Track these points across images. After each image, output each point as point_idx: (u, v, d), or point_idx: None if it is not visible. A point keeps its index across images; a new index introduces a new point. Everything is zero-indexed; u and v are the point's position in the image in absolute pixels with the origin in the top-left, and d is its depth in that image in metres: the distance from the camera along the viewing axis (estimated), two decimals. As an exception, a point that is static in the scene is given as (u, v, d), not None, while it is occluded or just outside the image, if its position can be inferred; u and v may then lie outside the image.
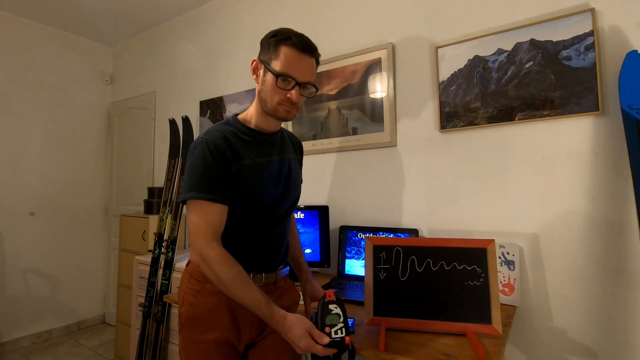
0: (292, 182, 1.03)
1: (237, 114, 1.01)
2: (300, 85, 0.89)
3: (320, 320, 0.80)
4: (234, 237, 0.92)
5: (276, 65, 0.87)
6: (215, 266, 0.82)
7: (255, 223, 0.95)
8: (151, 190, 2.56)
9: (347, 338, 0.78)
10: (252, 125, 0.97)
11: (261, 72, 0.92)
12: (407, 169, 1.65)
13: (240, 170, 0.90)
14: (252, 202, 0.92)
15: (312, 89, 0.94)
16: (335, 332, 0.78)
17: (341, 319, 0.80)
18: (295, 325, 0.79)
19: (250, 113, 0.99)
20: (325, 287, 1.47)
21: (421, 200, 1.60)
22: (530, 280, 1.34)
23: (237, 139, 0.93)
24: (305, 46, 0.88)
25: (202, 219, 0.84)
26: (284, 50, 0.87)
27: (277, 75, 0.87)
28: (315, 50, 0.92)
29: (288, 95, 0.88)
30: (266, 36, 0.92)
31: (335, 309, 0.80)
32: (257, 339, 0.98)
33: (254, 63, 0.94)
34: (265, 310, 0.81)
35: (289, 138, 1.11)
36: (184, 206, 1.08)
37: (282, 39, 0.88)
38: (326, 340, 0.77)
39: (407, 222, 1.63)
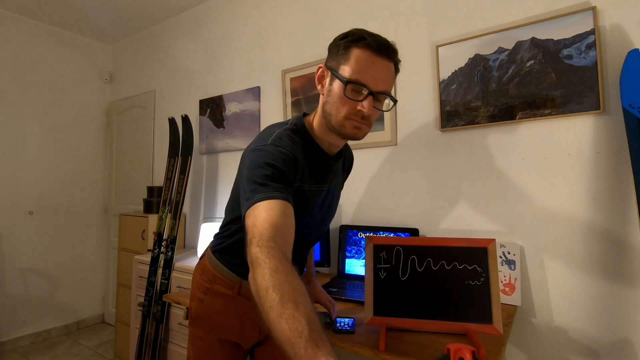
0: (329, 211, 0.96)
1: (304, 115, 0.87)
2: (374, 95, 0.73)
3: None
4: (240, 254, 0.78)
5: (345, 70, 0.73)
6: (256, 270, 0.56)
7: None
8: (150, 190, 2.55)
9: None
10: (316, 138, 0.84)
11: (327, 80, 0.78)
12: (407, 168, 1.64)
13: (297, 192, 0.78)
14: None
15: (389, 101, 0.78)
16: None
17: None
18: None
19: (315, 125, 0.84)
20: (325, 286, 1.44)
21: (422, 200, 1.60)
22: (531, 280, 1.34)
23: (304, 155, 0.81)
24: (381, 46, 0.73)
25: (258, 218, 0.64)
26: (355, 53, 0.73)
27: (346, 82, 0.72)
28: (395, 53, 0.77)
29: (359, 107, 0.73)
30: (335, 39, 0.78)
31: None
32: (265, 339, 0.97)
33: (320, 70, 0.80)
34: (304, 354, 0.44)
35: (344, 156, 0.98)
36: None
37: (354, 39, 0.74)
38: None
39: (407, 222, 1.63)
